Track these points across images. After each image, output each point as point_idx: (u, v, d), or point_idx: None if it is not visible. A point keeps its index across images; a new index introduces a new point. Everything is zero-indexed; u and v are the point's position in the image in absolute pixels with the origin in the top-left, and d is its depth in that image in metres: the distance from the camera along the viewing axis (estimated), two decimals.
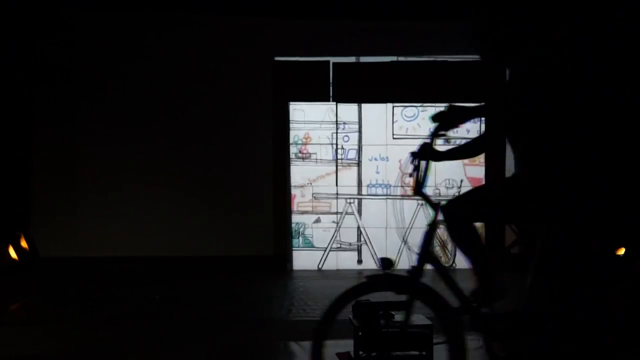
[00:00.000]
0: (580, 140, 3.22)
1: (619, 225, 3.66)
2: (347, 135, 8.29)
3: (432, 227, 3.23)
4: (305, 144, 8.29)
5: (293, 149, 8.26)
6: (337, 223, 8.23)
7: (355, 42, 8.50)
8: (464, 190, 8.16)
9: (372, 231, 8.23)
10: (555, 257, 3.33)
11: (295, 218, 8.24)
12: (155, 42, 8.36)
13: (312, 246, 8.23)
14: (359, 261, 8.22)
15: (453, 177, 8.18)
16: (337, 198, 8.25)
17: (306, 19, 8.48)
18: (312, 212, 8.26)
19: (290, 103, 8.24)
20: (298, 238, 8.24)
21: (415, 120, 8.30)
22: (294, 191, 8.25)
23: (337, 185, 8.25)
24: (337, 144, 8.27)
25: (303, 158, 8.28)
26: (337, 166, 8.27)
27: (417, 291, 3.16)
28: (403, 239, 8.14)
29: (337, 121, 8.25)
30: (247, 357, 4.34)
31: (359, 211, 8.25)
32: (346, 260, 8.20)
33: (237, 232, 8.39)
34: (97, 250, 8.09)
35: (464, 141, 3.73)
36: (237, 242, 8.37)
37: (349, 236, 8.26)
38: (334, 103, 8.26)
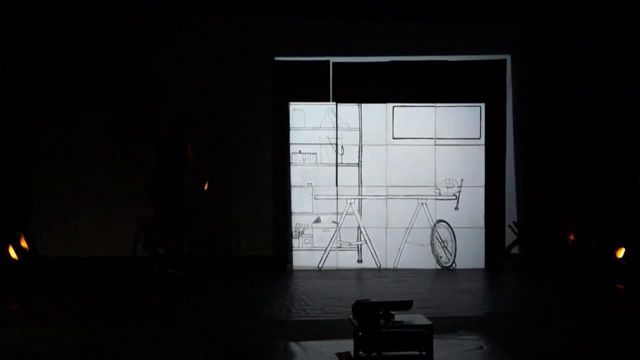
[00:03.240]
0: None
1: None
2: (347, 135, 8.27)
3: None
4: (306, 144, 8.27)
5: (293, 149, 8.25)
6: (337, 223, 8.22)
7: (355, 42, 8.49)
8: (464, 189, 8.15)
9: (372, 231, 8.22)
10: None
11: (296, 218, 8.23)
12: (155, 42, 8.36)
13: (312, 246, 8.22)
14: (359, 261, 8.20)
15: (453, 176, 8.16)
16: (337, 198, 8.24)
17: (306, 19, 8.47)
18: (312, 213, 8.25)
19: (290, 103, 8.23)
20: (298, 238, 8.23)
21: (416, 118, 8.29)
22: (294, 191, 8.24)
23: (337, 185, 8.24)
24: (337, 144, 8.26)
25: (303, 158, 8.27)
26: (337, 166, 8.26)
27: None
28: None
29: (337, 121, 8.24)
30: (247, 357, 4.34)
31: (359, 211, 8.24)
32: (346, 260, 8.19)
33: (237, 232, 8.40)
34: (97, 250, 8.09)
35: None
36: (238, 243, 8.39)
37: (349, 236, 8.24)
38: (334, 103, 8.25)
